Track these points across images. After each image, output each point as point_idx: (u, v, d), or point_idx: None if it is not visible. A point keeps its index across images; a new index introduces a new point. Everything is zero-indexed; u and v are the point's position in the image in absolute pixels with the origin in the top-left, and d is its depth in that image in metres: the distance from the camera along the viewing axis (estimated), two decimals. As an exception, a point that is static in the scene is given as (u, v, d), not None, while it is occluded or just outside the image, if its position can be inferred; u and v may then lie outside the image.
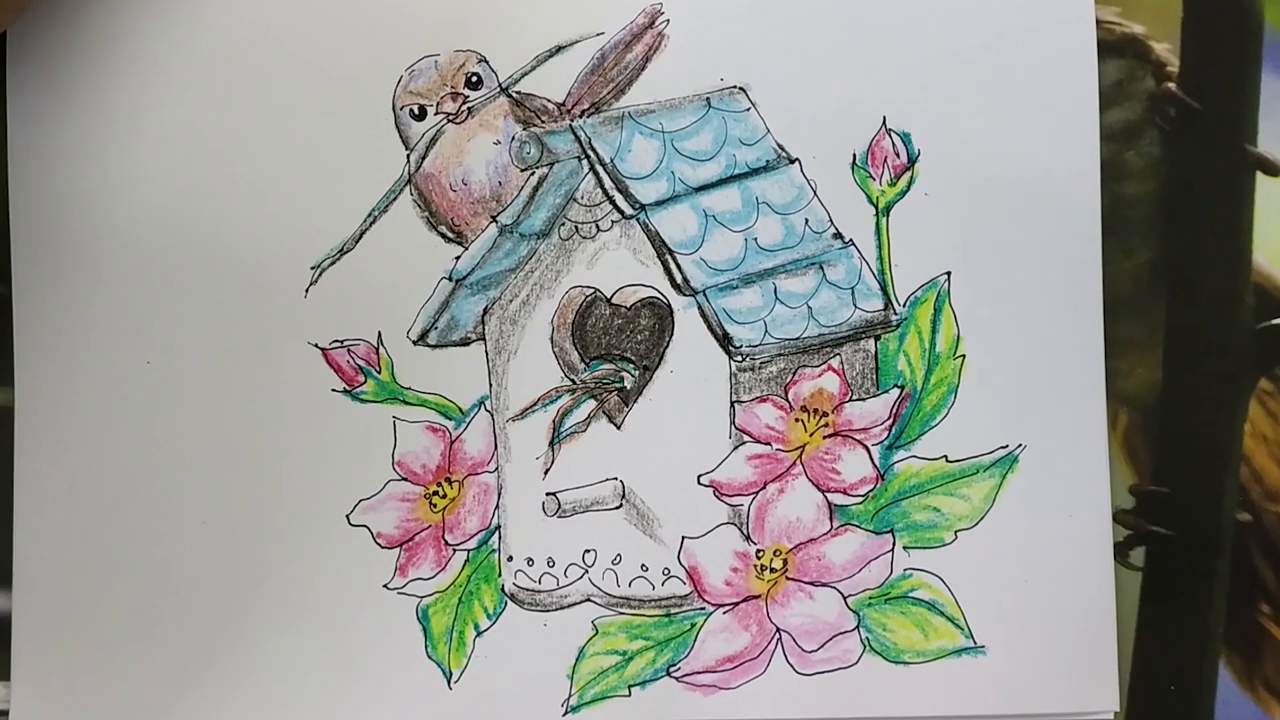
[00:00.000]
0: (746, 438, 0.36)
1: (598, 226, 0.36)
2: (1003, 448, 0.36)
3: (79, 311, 0.36)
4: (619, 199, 0.35)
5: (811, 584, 0.36)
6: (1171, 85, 0.36)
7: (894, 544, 0.36)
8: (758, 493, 0.36)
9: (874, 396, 0.36)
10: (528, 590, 0.36)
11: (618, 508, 0.36)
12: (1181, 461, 0.37)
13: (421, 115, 0.35)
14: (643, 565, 0.36)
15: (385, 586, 0.36)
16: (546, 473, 0.36)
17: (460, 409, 0.36)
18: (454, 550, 0.36)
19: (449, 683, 0.36)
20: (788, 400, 0.35)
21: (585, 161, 0.35)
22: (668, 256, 0.35)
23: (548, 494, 0.36)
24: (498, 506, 0.36)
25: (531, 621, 0.36)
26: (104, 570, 0.36)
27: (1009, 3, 0.36)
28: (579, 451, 0.36)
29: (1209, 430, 0.37)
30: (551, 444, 0.36)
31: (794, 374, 0.35)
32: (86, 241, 0.36)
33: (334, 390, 0.36)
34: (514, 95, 0.35)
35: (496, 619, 0.36)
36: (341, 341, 0.36)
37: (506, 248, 0.36)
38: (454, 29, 0.36)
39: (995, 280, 0.36)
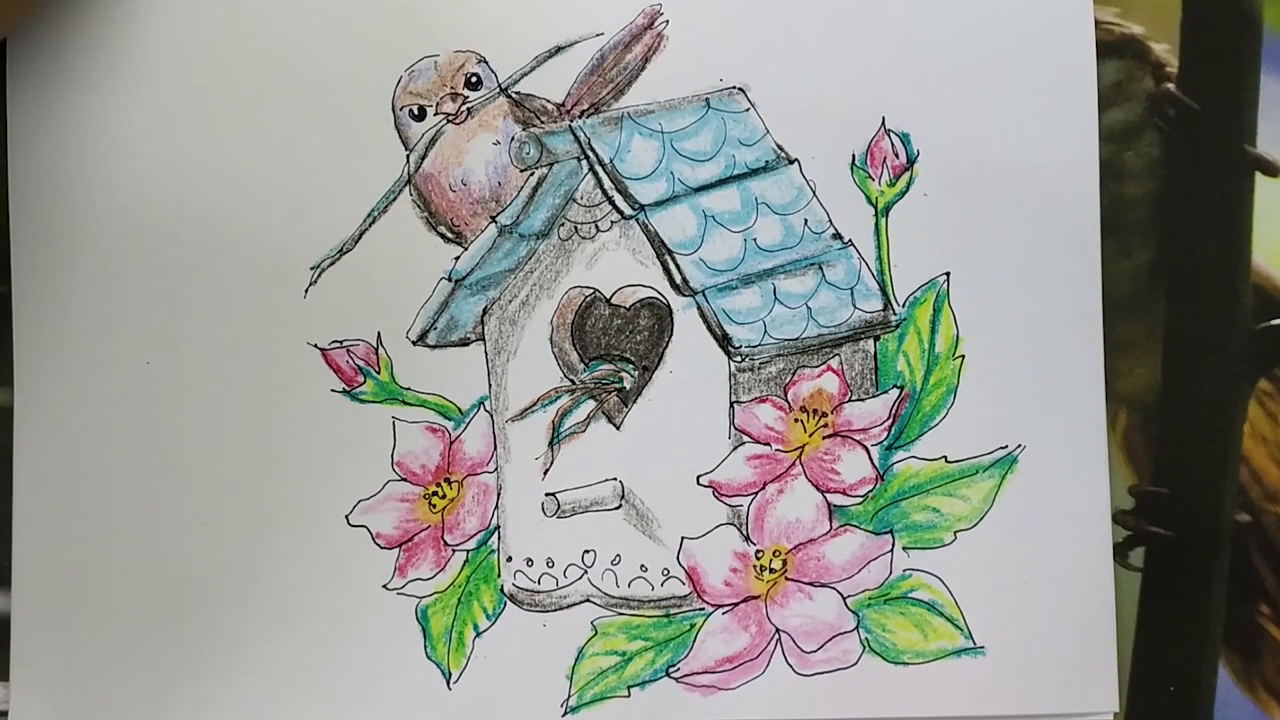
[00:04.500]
0: (746, 438, 0.36)
1: (597, 227, 0.36)
2: (1002, 448, 0.36)
3: (79, 311, 0.36)
4: (618, 199, 0.35)
5: (811, 584, 0.36)
6: (1171, 86, 0.36)
7: (893, 544, 0.36)
8: (757, 493, 0.36)
9: (873, 397, 0.36)
10: (527, 591, 0.36)
11: (617, 508, 0.36)
12: (1181, 462, 0.37)
13: (421, 116, 0.35)
14: (642, 566, 0.36)
15: (384, 587, 0.36)
16: (546, 473, 0.36)
17: (459, 409, 0.36)
18: (453, 551, 0.36)
19: (448, 683, 0.36)
20: (787, 401, 0.35)
21: (584, 162, 0.35)
22: (667, 257, 0.35)
23: (547, 494, 0.36)
24: (497, 507, 0.36)
25: (531, 622, 0.36)
26: (103, 570, 0.36)
27: (1008, 3, 0.36)
28: (578, 452, 0.36)
29: (1209, 431, 0.37)
30: (551, 444, 0.36)
31: (793, 374, 0.35)
32: (86, 241, 0.36)
33: (333, 390, 0.36)
34: (513, 96, 0.36)
35: (496, 619, 0.36)
36: (341, 342, 0.36)
37: (506, 248, 0.36)
38: (454, 29, 0.36)
39: (994, 280, 0.36)
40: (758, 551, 0.36)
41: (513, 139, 0.35)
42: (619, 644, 0.36)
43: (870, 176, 0.35)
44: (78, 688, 0.36)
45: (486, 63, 0.36)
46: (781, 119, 0.36)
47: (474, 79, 0.36)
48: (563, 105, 0.36)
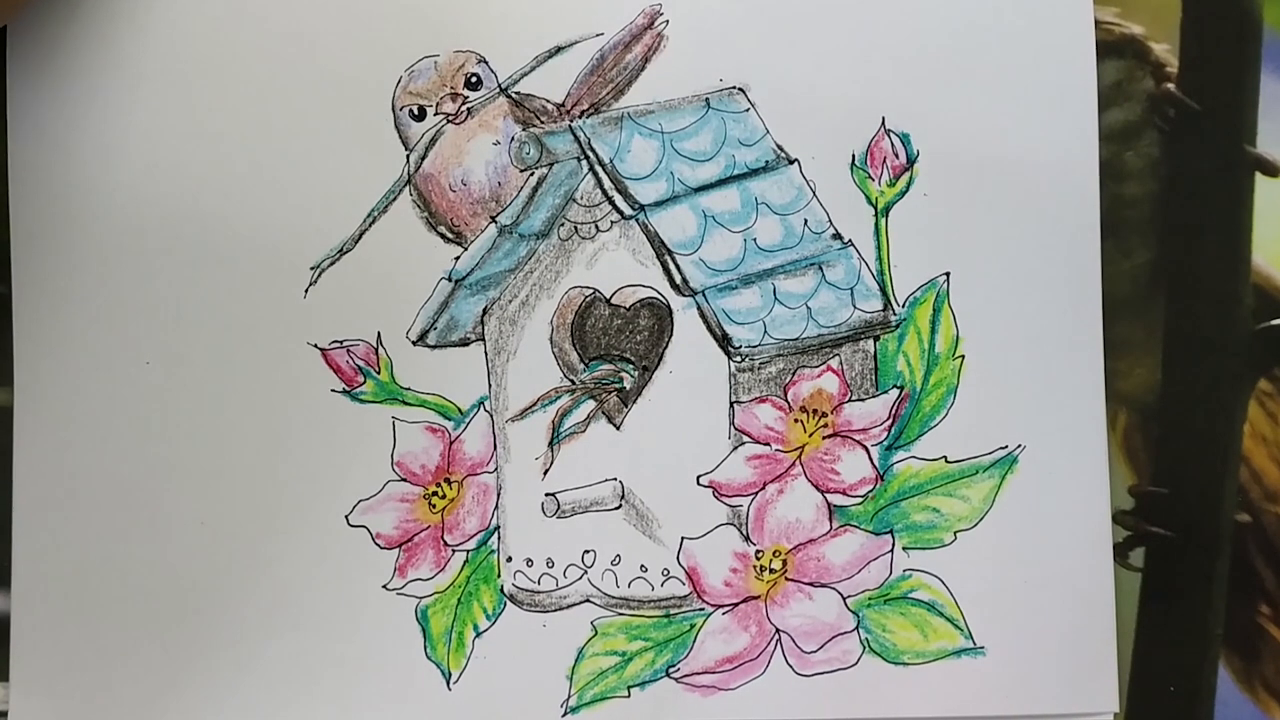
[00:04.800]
0: (746, 438, 0.36)
1: (597, 227, 0.36)
2: (1002, 448, 0.36)
3: (79, 311, 0.36)
4: (618, 199, 0.35)
5: (811, 585, 0.36)
6: (1171, 86, 0.36)
7: (893, 545, 0.36)
8: (757, 493, 0.36)
9: (873, 397, 0.36)
10: (527, 591, 0.36)
11: (617, 508, 0.36)
12: (1181, 462, 0.37)
13: (421, 116, 0.35)
14: (642, 566, 0.36)
15: (384, 587, 0.36)
16: (546, 473, 0.36)
17: (459, 409, 0.36)
18: (453, 551, 0.36)
19: (448, 684, 0.36)
20: (787, 401, 0.35)
21: (584, 162, 0.35)
22: (667, 257, 0.35)
23: (547, 494, 0.36)
24: (497, 507, 0.36)
25: (531, 622, 0.36)
26: (103, 570, 0.36)
27: (1009, 3, 0.36)
28: (578, 452, 0.36)
29: (1208, 431, 0.37)
30: (551, 444, 0.36)
31: (793, 374, 0.35)
32: (86, 241, 0.36)
33: (333, 391, 0.36)
34: (513, 96, 0.36)
35: (496, 620, 0.36)
36: (341, 342, 0.36)
37: (506, 248, 0.36)
38: (454, 29, 0.36)
39: (995, 280, 0.36)
40: (758, 552, 0.36)
41: (513, 139, 0.35)
42: (619, 644, 0.36)
43: (870, 176, 0.35)
44: (78, 688, 0.36)
45: (486, 63, 0.36)
46: (781, 119, 0.36)
47: (474, 79, 0.36)
48: (563, 105, 0.36)
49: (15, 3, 0.34)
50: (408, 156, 0.36)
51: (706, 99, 0.36)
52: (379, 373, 0.36)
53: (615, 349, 0.36)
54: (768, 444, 0.36)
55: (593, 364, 0.36)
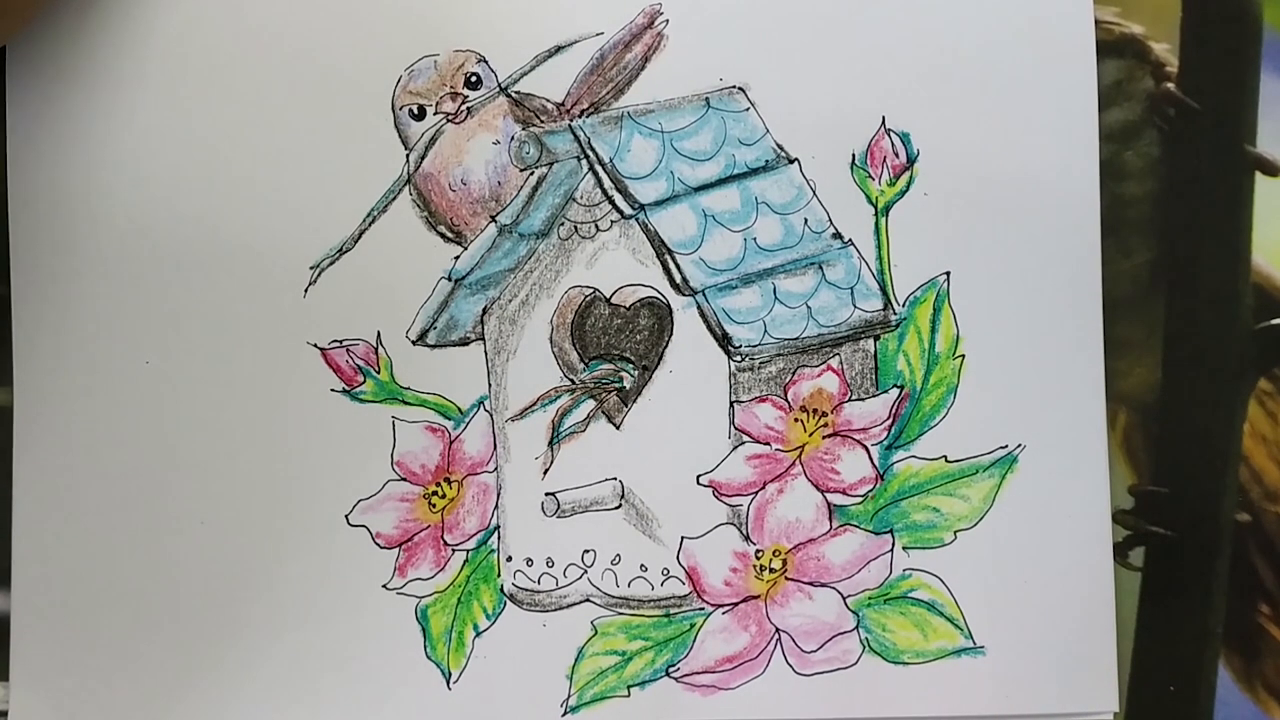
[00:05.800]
0: (746, 438, 0.35)
1: (597, 226, 0.36)
2: (1002, 448, 0.36)
3: (79, 311, 0.36)
4: (618, 199, 0.35)
5: (811, 584, 0.36)
6: (1171, 85, 0.36)
7: (893, 544, 0.36)
8: (757, 493, 0.36)
9: (873, 396, 0.36)
10: (527, 590, 0.36)
11: (617, 508, 0.36)
12: (1181, 461, 0.37)
13: (421, 115, 0.35)
14: (642, 565, 0.36)
15: (384, 587, 0.36)
16: (546, 473, 0.36)
17: (459, 409, 0.36)
18: (453, 550, 0.36)
19: (448, 683, 0.36)
20: (787, 400, 0.35)
21: (584, 161, 0.35)
22: (667, 256, 0.35)
23: (547, 494, 0.36)
24: (497, 506, 0.36)
25: (531, 622, 0.36)
26: (103, 570, 0.36)
27: (1008, 3, 0.36)
28: (578, 451, 0.36)
29: (1208, 430, 0.37)
30: (551, 444, 0.36)
31: (793, 374, 0.35)
32: (86, 242, 0.36)
33: (333, 390, 0.36)
34: (513, 95, 0.36)
35: (496, 619, 0.36)
36: (340, 341, 0.36)
37: (506, 248, 0.36)
38: (453, 29, 0.36)
39: (995, 280, 0.36)
40: (758, 551, 0.36)
41: (512, 138, 0.35)
42: (619, 644, 0.36)
43: (870, 176, 0.35)
44: (78, 688, 0.36)
45: (486, 62, 0.36)
46: (781, 118, 0.36)
47: (474, 78, 0.36)
48: (563, 105, 0.36)
49: (19, 20, 0.34)
50: (407, 156, 0.36)
51: (706, 98, 0.36)
52: (379, 372, 0.36)
53: (615, 348, 0.36)
54: (768, 443, 0.36)
55: (593, 363, 0.36)
